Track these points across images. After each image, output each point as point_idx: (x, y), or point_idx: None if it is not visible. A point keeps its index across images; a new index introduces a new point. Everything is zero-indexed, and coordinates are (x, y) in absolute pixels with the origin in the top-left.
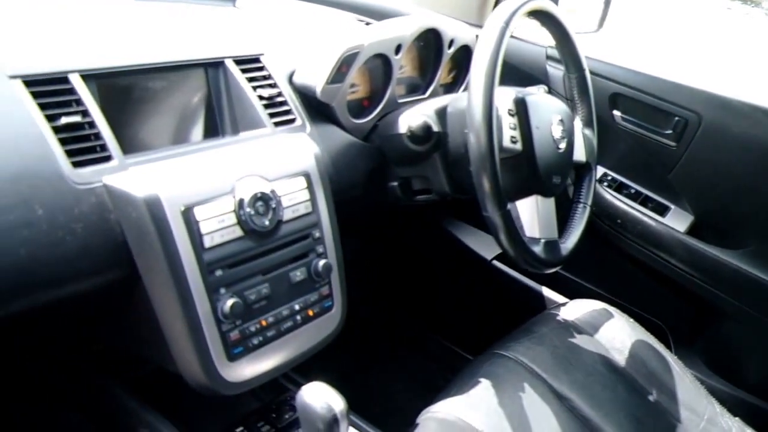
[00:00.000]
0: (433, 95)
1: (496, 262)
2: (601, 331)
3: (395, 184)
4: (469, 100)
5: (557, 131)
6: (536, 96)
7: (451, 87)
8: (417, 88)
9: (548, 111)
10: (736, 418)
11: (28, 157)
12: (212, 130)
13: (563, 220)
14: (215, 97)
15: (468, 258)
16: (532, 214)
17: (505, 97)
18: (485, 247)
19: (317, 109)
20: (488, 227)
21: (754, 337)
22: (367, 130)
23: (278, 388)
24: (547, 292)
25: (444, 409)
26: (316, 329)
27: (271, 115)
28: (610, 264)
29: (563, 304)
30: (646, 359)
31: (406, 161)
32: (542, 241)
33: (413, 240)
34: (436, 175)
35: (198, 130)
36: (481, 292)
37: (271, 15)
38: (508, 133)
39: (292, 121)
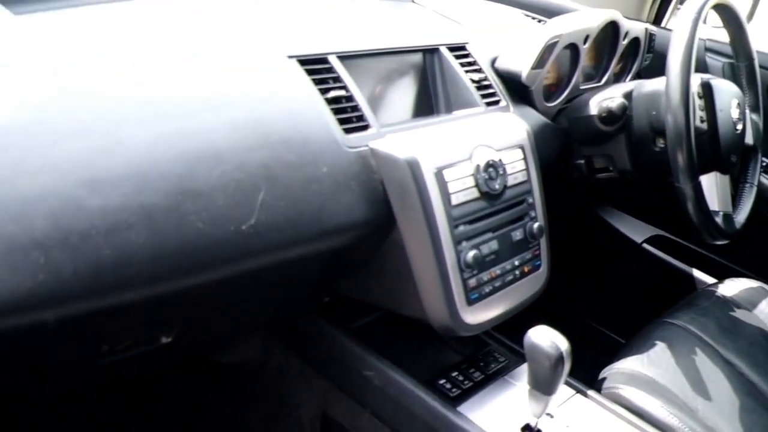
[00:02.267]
0: (606, 83)
1: (646, 245)
2: (759, 306)
3: (581, 161)
4: (667, 83)
5: (735, 113)
6: (719, 81)
7: (619, 76)
8: (592, 76)
9: (729, 95)
10: None
11: (312, 123)
12: (427, 109)
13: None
14: (431, 80)
15: (619, 242)
16: (712, 189)
17: (694, 81)
18: (635, 231)
19: (516, 92)
20: (678, 198)
21: None
22: (554, 112)
23: (478, 343)
24: (697, 273)
25: (625, 365)
26: (528, 285)
27: (482, 97)
28: (760, 246)
29: (719, 283)
30: None
31: (593, 141)
32: (721, 213)
33: (569, 224)
34: (619, 154)
35: (416, 108)
36: (631, 276)
37: (450, 9)
38: (698, 113)
39: (498, 102)
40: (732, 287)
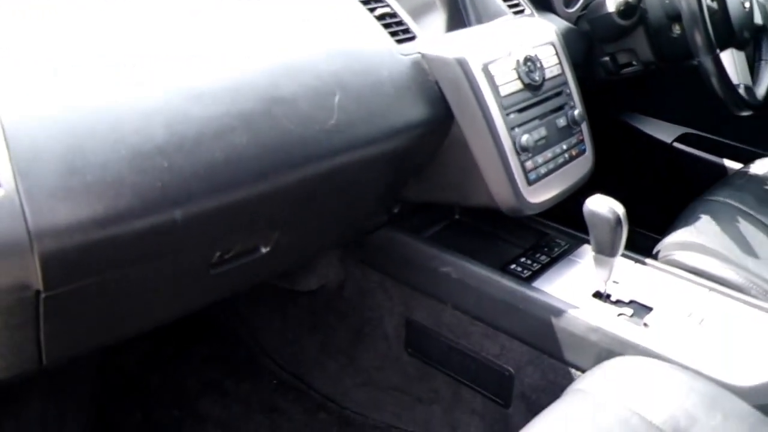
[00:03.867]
0: None
1: (677, 144)
2: None
3: (606, 59)
4: None
5: None
6: None
7: None
8: None
9: None
10: None
11: (368, 36)
12: (459, 24)
13: None
14: None
15: (649, 144)
16: (730, 64)
17: None
18: (665, 132)
19: (538, 2)
20: (701, 75)
21: None
22: (575, 18)
23: (539, 234)
24: (728, 162)
25: (675, 237)
26: (577, 167)
27: (509, 7)
28: None
29: (750, 164)
30: None
31: (614, 37)
32: (742, 85)
33: (599, 132)
34: (641, 46)
35: (449, 22)
36: (665, 175)
37: None
38: None
39: (523, 11)
40: (764, 165)
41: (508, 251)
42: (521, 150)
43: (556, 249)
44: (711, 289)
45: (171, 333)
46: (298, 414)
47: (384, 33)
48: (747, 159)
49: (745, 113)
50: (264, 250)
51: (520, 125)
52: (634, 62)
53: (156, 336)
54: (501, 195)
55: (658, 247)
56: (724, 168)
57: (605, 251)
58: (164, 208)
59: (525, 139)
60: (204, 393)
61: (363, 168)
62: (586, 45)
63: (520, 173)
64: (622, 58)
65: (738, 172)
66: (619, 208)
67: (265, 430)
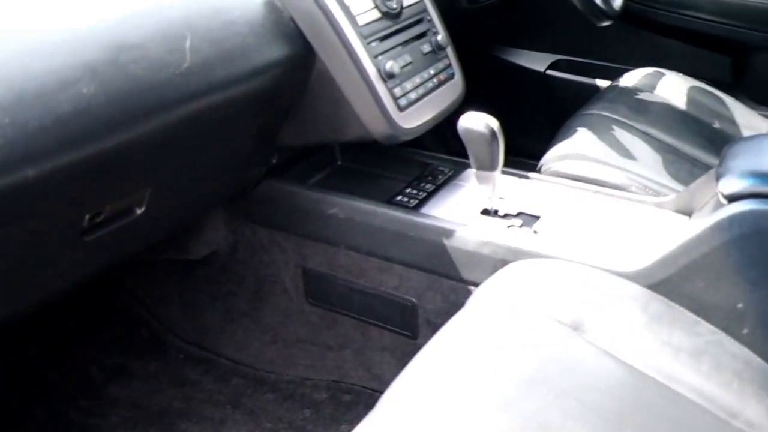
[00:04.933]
0: None
1: (550, 72)
2: (659, 86)
3: None
4: None
5: None
6: None
7: None
8: None
9: None
10: None
11: None
12: None
13: None
14: None
15: (522, 75)
16: None
17: None
18: (537, 61)
19: None
20: None
21: None
22: None
23: (422, 166)
24: (601, 82)
25: (555, 150)
26: (448, 92)
27: None
28: (647, 38)
29: (619, 77)
30: (702, 99)
31: None
32: None
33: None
34: None
35: None
36: (541, 102)
37: None
38: None
39: None
40: (632, 78)
41: (393, 186)
42: (387, 77)
43: (440, 176)
44: (595, 192)
45: (68, 321)
46: (210, 383)
47: None
48: (616, 76)
49: (605, 23)
50: (139, 211)
51: (383, 53)
52: None
53: (53, 326)
54: (373, 124)
55: (541, 162)
56: (596, 87)
57: (485, 166)
58: (13, 165)
59: (390, 65)
60: (109, 379)
61: (228, 112)
62: None
63: (389, 100)
64: None
65: (609, 87)
66: (493, 122)
67: (179, 403)
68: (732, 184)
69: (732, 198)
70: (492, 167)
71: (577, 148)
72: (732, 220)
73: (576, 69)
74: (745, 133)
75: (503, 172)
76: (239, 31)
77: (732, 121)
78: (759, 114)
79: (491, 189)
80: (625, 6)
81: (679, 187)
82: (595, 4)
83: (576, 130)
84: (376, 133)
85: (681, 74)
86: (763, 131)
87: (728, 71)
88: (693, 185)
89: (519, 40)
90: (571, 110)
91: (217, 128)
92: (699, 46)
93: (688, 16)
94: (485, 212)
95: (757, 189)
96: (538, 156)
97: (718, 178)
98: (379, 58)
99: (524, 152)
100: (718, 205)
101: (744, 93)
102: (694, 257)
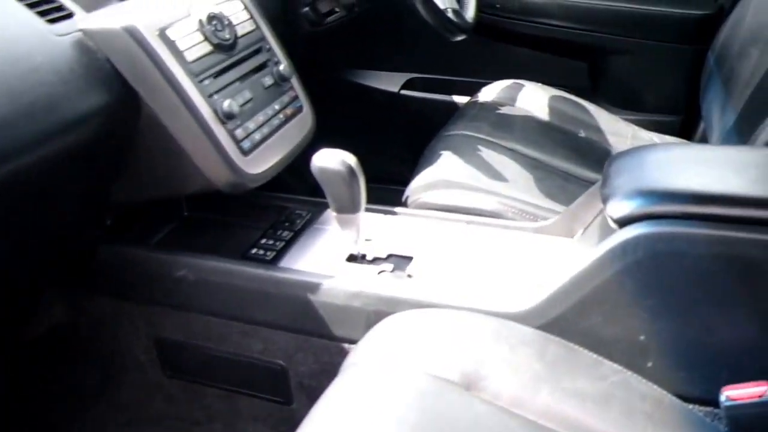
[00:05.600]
0: None
1: (404, 92)
2: (519, 98)
3: (306, 9)
4: None
5: None
6: None
7: None
8: None
9: None
10: (653, 132)
11: (11, 22)
12: None
13: None
14: None
15: (377, 97)
16: None
17: None
18: (391, 82)
19: None
20: (408, 3)
21: (645, 65)
22: None
23: (278, 210)
24: (458, 98)
25: (420, 179)
26: (298, 127)
27: None
28: (502, 49)
29: (478, 93)
30: (565, 109)
31: None
32: (449, 9)
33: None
34: None
35: None
36: (398, 124)
37: None
38: None
39: None
40: (491, 92)
41: (248, 236)
42: (226, 118)
43: (298, 221)
44: (468, 222)
45: None
46: None
47: (30, 14)
48: (474, 91)
49: (459, 37)
50: None
51: (218, 91)
52: (337, 9)
53: None
54: (215, 172)
55: (406, 193)
56: (455, 104)
57: (347, 208)
58: None
59: (227, 104)
60: None
61: (45, 170)
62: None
63: (230, 144)
64: (324, 7)
65: (468, 103)
66: (350, 158)
67: None
68: (620, 206)
69: (622, 222)
70: (354, 209)
71: (443, 174)
72: (625, 246)
73: (432, 86)
74: (611, 140)
75: (367, 210)
76: (44, 80)
77: (597, 129)
78: (621, 119)
79: (355, 232)
80: (478, 18)
81: (555, 205)
82: (448, 18)
83: (440, 155)
84: (219, 183)
85: (540, 84)
86: (629, 136)
87: (586, 77)
88: (574, 205)
89: (372, 62)
90: (432, 131)
91: (35, 189)
92: (555, 54)
93: (540, 23)
94: (352, 258)
95: (647, 210)
96: (404, 182)
97: (604, 200)
98: (215, 97)
99: (389, 179)
100: (607, 230)
101: (603, 98)
102: (587, 290)
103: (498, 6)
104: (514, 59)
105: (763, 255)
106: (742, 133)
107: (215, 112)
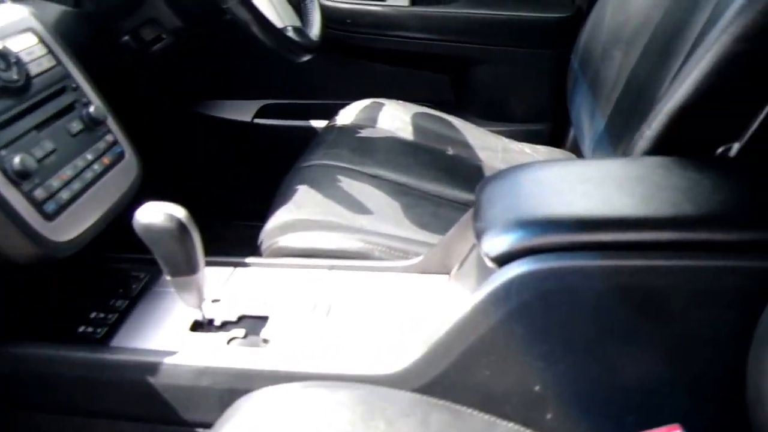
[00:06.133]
0: None
1: (258, 120)
2: (380, 118)
3: (126, 38)
4: None
5: None
6: None
7: None
8: None
9: None
10: (523, 143)
11: None
12: None
13: None
14: None
15: (229, 129)
16: (269, 7)
17: None
18: (243, 111)
19: None
20: (239, 27)
21: (509, 73)
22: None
23: (111, 274)
24: (315, 122)
25: (274, 221)
26: (119, 177)
27: None
28: (359, 67)
29: (336, 116)
30: (430, 126)
31: (129, 8)
32: (290, 27)
33: (167, 130)
34: (163, 13)
35: None
36: (254, 158)
37: None
38: None
39: None
40: (349, 114)
41: (75, 309)
42: (19, 177)
43: (134, 286)
44: (330, 268)
45: None
46: None
47: None
48: (332, 113)
49: (304, 58)
50: None
51: (7, 145)
52: (163, 35)
53: None
54: (11, 245)
55: (261, 237)
56: (313, 129)
57: (182, 270)
58: None
59: (19, 161)
60: None
61: None
62: (93, 28)
63: (27, 208)
64: (147, 34)
65: (326, 128)
66: (179, 212)
67: None
68: (497, 243)
69: (501, 260)
70: (190, 269)
71: (301, 213)
72: (507, 288)
73: (288, 112)
74: (482, 155)
75: (213, 263)
76: None
77: (466, 144)
78: (489, 131)
79: (196, 297)
80: (326, 35)
81: (428, 236)
82: (287, 38)
83: (295, 190)
84: (18, 257)
85: (401, 102)
86: (499, 149)
87: (450, 90)
88: (446, 237)
89: (220, 91)
90: (291, 159)
91: None
92: (415, 68)
93: (395, 37)
94: (197, 326)
95: (528, 243)
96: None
97: (477, 235)
98: (2, 152)
99: (249, 216)
100: (485, 270)
101: (470, 111)
102: (470, 341)
103: (349, 21)
104: (372, 77)
105: (664, 283)
106: (613, 138)
107: (4, 171)
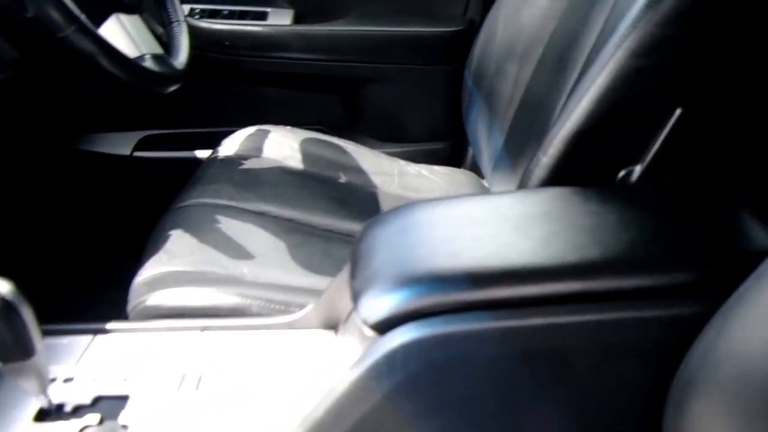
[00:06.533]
0: None
1: (138, 153)
2: (266, 147)
3: None
4: None
5: None
6: None
7: None
8: None
9: None
10: (421, 164)
11: None
12: None
13: None
14: None
15: (107, 165)
16: (122, 34)
17: None
18: (121, 144)
19: None
20: (80, 60)
21: (402, 91)
22: None
23: None
24: (200, 153)
25: (143, 275)
26: None
27: None
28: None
29: (219, 147)
30: (320, 152)
31: None
32: (147, 56)
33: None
34: None
35: None
36: (135, 195)
37: None
38: None
39: None
40: (233, 144)
41: None
42: None
43: None
44: (203, 328)
45: None
46: None
47: None
48: (218, 142)
49: (169, 88)
50: None
51: None
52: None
53: None
54: None
55: (129, 297)
56: (198, 161)
57: (14, 355)
58: None
59: None
60: None
61: None
62: None
63: None
64: None
65: (207, 160)
66: (3, 287)
67: None
68: (375, 307)
69: (381, 328)
70: (24, 353)
71: (173, 265)
72: (390, 360)
73: (170, 142)
74: (377, 180)
75: (66, 332)
76: None
77: (359, 170)
78: (383, 153)
79: (37, 382)
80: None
81: (317, 279)
82: (146, 70)
83: (168, 237)
84: None
85: (289, 128)
86: (395, 173)
87: (342, 113)
88: (330, 288)
89: (100, 123)
90: (173, 196)
91: None
92: (303, 90)
93: (279, 58)
94: (42, 415)
95: (411, 306)
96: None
97: (353, 296)
98: None
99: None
100: (364, 338)
101: (364, 133)
102: (352, 421)
103: (227, 43)
104: (259, 101)
105: (570, 342)
106: (513, 156)
107: None
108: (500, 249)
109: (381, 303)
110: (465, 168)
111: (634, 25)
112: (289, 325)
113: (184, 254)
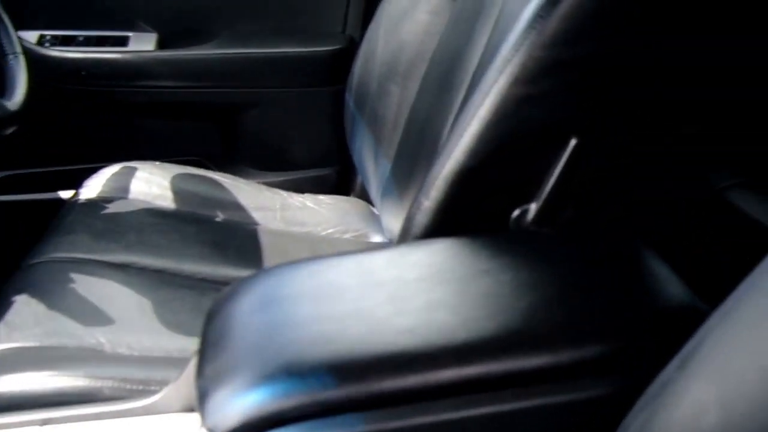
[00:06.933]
0: None
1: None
2: (133, 187)
3: None
4: None
5: None
6: None
7: None
8: None
9: None
10: (306, 194)
11: None
12: None
13: None
14: None
15: None
16: None
17: None
18: None
19: None
20: None
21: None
22: None
23: None
24: (64, 193)
25: None
26: None
27: None
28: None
29: (80, 189)
30: (194, 189)
31: None
32: None
33: None
34: None
35: None
36: None
37: None
38: None
39: None
40: (96, 185)
41: None
42: None
43: None
44: (44, 422)
45: None
46: None
47: None
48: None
49: (4, 132)
50: None
51: None
52: None
53: None
54: None
55: None
56: (63, 202)
57: None
58: None
59: None
60: None
61: None
62: None
63: None
64: None
65: (66, 206)
66: None
67: None
68: (225, 413)
69: None
70: None
71: (14, 340)
72: None
73: (31, 183)
74: (257, 216)
75: None
76: None
77: (237, 206)
78: (262, 184)
79: None
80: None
81: (185, 342)
82: None
83: (12, 303)
84: None
85: (158, 163)
86: (277, 207)
87: (218, 142)
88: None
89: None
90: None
91: None
92: (174, 120)
93: (145, 87)
94: None
95: (269, 409)
96: None
97: (199, 398)
98: None
99: None
100: None
101: (244, 163)
102: None
103: (84, 73)
104: (125, 135)
105: None
106: (401, 183)
107: None
108: (372, 330)
109: (231, 407)
110: (354, 195)
111: (516, 48)
112: (146, 410)
113: (27, 326)
